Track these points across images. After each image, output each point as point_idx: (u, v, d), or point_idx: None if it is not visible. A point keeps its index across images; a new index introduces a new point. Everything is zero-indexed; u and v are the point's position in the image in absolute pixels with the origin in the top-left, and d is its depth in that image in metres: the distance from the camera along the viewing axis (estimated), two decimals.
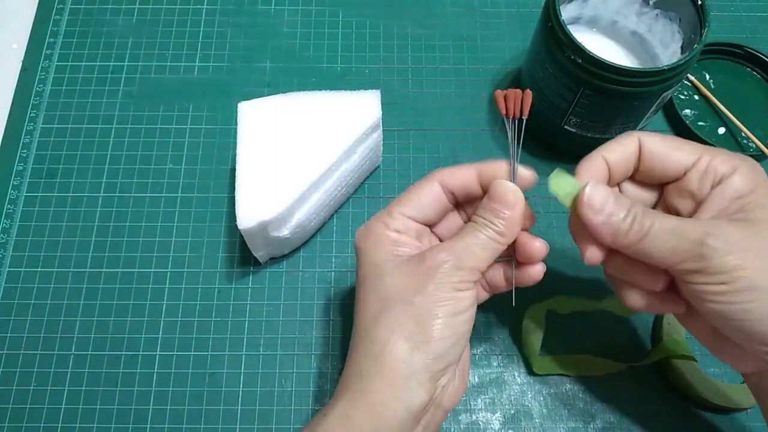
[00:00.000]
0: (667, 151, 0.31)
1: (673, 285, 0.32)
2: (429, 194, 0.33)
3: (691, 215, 0.31)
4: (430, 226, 0.35)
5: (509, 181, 0.32)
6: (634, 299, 0.33)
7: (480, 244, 0.31)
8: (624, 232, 0.30)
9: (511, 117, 0.33)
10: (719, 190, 0.30)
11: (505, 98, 0.33)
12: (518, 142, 0.32)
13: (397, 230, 0.33)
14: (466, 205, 0.35)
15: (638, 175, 0.33)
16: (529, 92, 0.32)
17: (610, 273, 0.33)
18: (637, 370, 0.41)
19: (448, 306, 0.30)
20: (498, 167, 0.33)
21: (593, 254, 0.32)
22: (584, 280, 0.44)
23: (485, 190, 0.33)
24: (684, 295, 0.30)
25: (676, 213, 0.32)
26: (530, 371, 0.42)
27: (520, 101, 0.32)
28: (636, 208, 0.30)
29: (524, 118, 0.33)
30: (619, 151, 0.32)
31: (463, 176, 0.33)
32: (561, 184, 0.31)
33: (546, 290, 0.42)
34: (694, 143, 0.32)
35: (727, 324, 0.29)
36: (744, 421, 0.41)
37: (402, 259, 0.32)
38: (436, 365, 0.30)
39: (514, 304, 0.34)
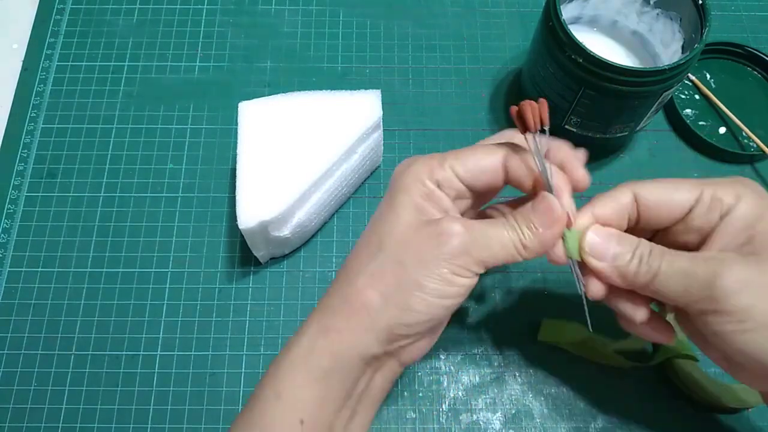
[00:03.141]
0: (665, 196, 0.30)
1: (654, 315, 0.32)
2: (489, 162, 0.31)
3: (698, 247, 0.30)
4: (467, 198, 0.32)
5: (556, 199, 0.30)
6: (624, 325, 0.33)
7: (500, 242, 0.29)
8: (632, 274, 0.29)
9: (532, 131, 0.29)
10: (727, 221, 0.29)
11: (522, 112, 0.29)
12: (544, 154, 0.30)
13: (438, 182, 0.30)
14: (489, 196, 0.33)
15: (641, 224, 0.32)
16: (544, 101, 0.30)
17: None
18: (638, 370, 0.41)
19: (437, 285, 0.29)
20: (562, 178, 0.30)
21: (596, 289, 0.31)
22: None
23: (533, 191, 0.31)
24: (700, 329, 0.30)
25: (683, 247, 0.31)
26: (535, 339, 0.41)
27: (538, 112, 0.29)
28: (642, 248, 0.30)
29: (546, 128, 0.29)
30: (610, 206, 0.31)
31: (525, 175, 0.30)
32: (566, 237, 0.30)
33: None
34: (688, 180, 0.31)
35: (745, 358, 0.28)
36: (745, 420, 0.41)
37: (422, 218, 0.30)
38: (399, 330, 0.29)
39: (591, 330, 0.33)
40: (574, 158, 0.31)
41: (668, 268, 0.29)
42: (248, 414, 0.30)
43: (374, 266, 0.30)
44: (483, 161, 0.31)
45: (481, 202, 0.34)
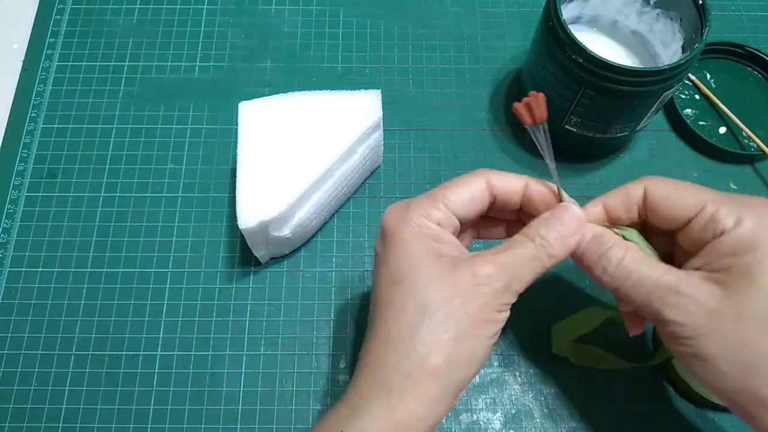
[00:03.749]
0: (671, 198, 0.30)
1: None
2: (476, 190, 0.32)
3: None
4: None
5: (576, 207, 0.31)
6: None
7: (530, 267, 0.30)
8: (598, 274, 0.31)
9: (536, 123, 0.31)
10: (716, 242, 0.29)
11: (527, 107, 0.31)
12: (550, 146, 0.31)
13: (439, 223, 0.31)
14: (482, 218, 0.34)
15: (650, 222, 0.32)
16: (542, 95, 0.31)
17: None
18: (638, 369, 0.41)
19: (489, 328, 0.29)
20: (552, 188, 0.32)
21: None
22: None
23: (526, 207, 0.32)
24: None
25: (683, 254, 0.31)
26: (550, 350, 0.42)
27: (537, 105, 0.31)
28: (609, 255, 0.30)
29: (545, 120, 0.31)
30: (620, 198, 0.32)
31: (512, 184, 0.32)
32: None
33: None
34: (702, 190, 0.30)
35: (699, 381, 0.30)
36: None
37: (445, 262, 0.29)
38: (465, 384, 0.29)
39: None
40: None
41: (631, 285, 0.30)
42: None
43: (426, 331, 0.28)
44: (471, 189, 0.31)
45: (464, 230, 0.34)
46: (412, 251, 0.30)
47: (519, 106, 0.31)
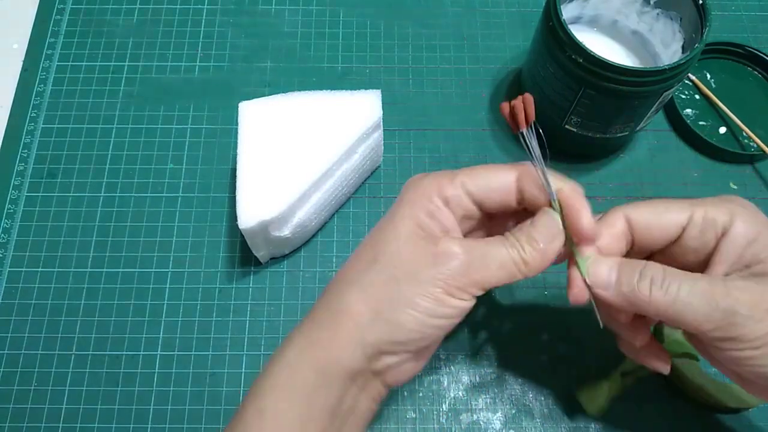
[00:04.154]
0: (656, 217, 0.30)
1: (653, 342, 0.33)
2: (502, 181, 0.30)
3: (698, 269, 0.30)
4: (478, 219, 0.32)
5: (556, 214, 0.30)
6: (624, 348, 0.34)
7: (499, 261, 0.29)
8: (646, 298, 0.28)
9: (524, 129, 0.30)
10: (727, 241, 0.28)
11: (513, 110, 0.30)
12: (542, 149, 0.30)
13: (447, 200, 0.30)
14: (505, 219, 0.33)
15: (636, 248, 0.31)
16: (529, 96, 0.30)
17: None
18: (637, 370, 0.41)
19: (430, 305, 0.28)
20: (580, 199, 0.30)
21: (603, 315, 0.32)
22: None
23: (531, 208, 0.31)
24: (713, 354, 0.30)
25: (682, 268, 0.29)
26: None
27: (523, 109, 0.30)
28: (652, 269, 0.28)
29: (531, 122, 0.30)
30: (607, 234, 0.31)
31: (538, 195, 0.30)
32: (579, 267, 0.30)
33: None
34: (679, 201, 0.30)
35: (762, 380, 0.28)
36: (745, 420, 0.41)
37: (420, 234, 0.29)
38: (387, 346, 0.29)
39: (602, 326, 0.32)
40: (583, 206, 0.30)
41: (688, 292, 0.28)
42: (230, 428, 0.29)
43: (366, 280, 0.29)
44: (495, 178, 0.30)
45: (492, 225, 0.33)
46: (398, 214, 0.30)
47: (505, 113, 0.30)
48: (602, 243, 0.31)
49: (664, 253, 0.31)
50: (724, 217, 0.29)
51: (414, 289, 0.28)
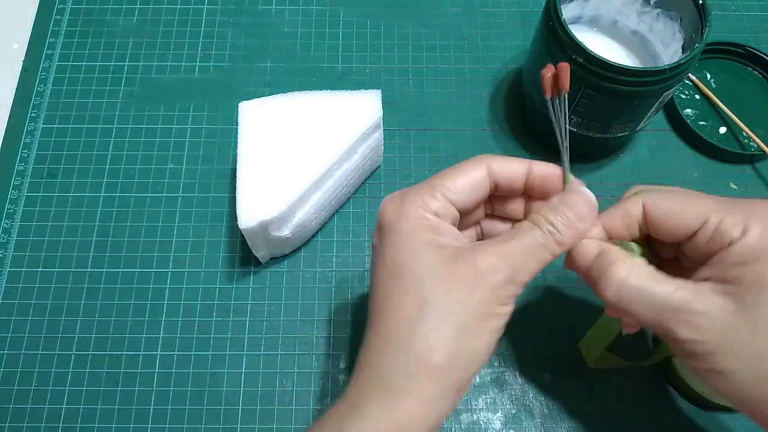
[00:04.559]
0: (673, 213, 0.29)
1: None
2: (477, 178, 0.30)
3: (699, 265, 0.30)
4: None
5: (586, 190, 0.30)
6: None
7: (536, 257, 0.28)
8: (598, 289, 0.29)
9: (558, 93, 0.30)
10: (724, 253, 0.28)
11: (559, 73, 0.29)
12: (565, 124, 0.30)
13: (437, 214, 0.29)
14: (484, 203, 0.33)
15: (653, 235, 0.31)
16: (567, 65, 0.29)
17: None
18: (638, 369, 0.41)
19: (493, 323, 0.28)
20: (558, 171, 0.30)
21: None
22: None
23: (529, 191, 0.31)
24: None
25: (695, 264, 0.30)
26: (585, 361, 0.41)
27: (563, 76, 0.29)
28: (620, 275, 0.28)
29: (567, 90, 0.30)
30: (619, 216, 0.31)
31: (515, 169, 0.30)
32: None
33: None
34: (703, 199, 0.29)
35: (721, 394, 0.29)
36: (745, 420, 0.41)
37: (445, 254, 0.28)
38: (467, 382, 0.28)
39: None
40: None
41: (639, 304, 0.28)
42: None
43: (426, 328, 0.27)
44: (470, 178, 0.30)
45: (462, 219, 0.33)
46: (410, 244, 0.28)
47: (546, 76, 0.30)
48: (614, 225, 0.31)
49: (685, 244, 0.31)
50: (735, 232, 0.27)
51: (474, 316, 0.27)
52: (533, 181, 0.31)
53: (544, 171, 0.31)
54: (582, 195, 0.30)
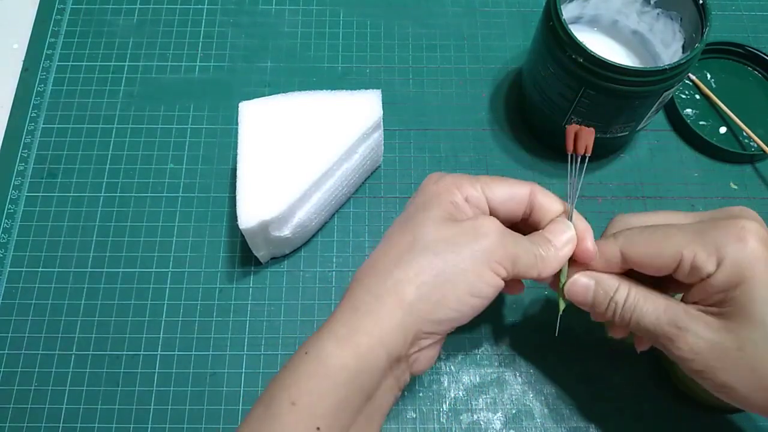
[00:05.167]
0: (648, 258, 0.31)
1: None
2: (519, 193, 0.33)
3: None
4: None
5: (570, 224, 0.33)
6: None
7: (525, 248, 0.31)
8: (609, 320, 0.33)
9: (576, 154, 0.33)
10: (704, 285, 0.30)
11: (579, 134, 0.33)
12: (579, 178, 0.33)
13: (467, 199, 0.32)
14: None
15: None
16: (593, 130, 0.33)
17: None
18: (638, 369, 0.41)
19: (473, 282, 0.29)
20: (585, 226, 0.33)
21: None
22: None
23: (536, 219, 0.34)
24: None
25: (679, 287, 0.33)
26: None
27: (586, 139, 0.33)
28: (616, 299, 0.32)
29: (587, 155, 0.33)
30: (602, 264, 0.33)
31: (554, 207, 0.33)
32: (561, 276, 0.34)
33: None
34: (678, 233, 0.30)
35: (725, 398, 0.31)
36: (745, 420, 0.41)
37: (452, 218, 0.31)
38: (428, 327, 0.29)
39: (557, 334, 0.36)
40: (588, 230, 0.33)
41: (636, 324, 0.31)
42: (257, 422, 0.28)
43: (409, 259, 0.29)
44: (513, 190, 0.33)
45: None
46: (428, 203, 0.31)
47: (570, 132, 0.33)
48: (597, 267, 0.33)
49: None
50: (710, 267, 0.29)
51: (457, 265, 0.29)
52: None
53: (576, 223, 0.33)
54: (567, 226, 0.33)
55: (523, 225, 0.34)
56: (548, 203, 0.33)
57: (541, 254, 0.32)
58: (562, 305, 0.35)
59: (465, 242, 0.29)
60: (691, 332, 0.29)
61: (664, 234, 0.31)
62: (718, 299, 0.29)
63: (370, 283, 0.30)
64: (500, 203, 0.33)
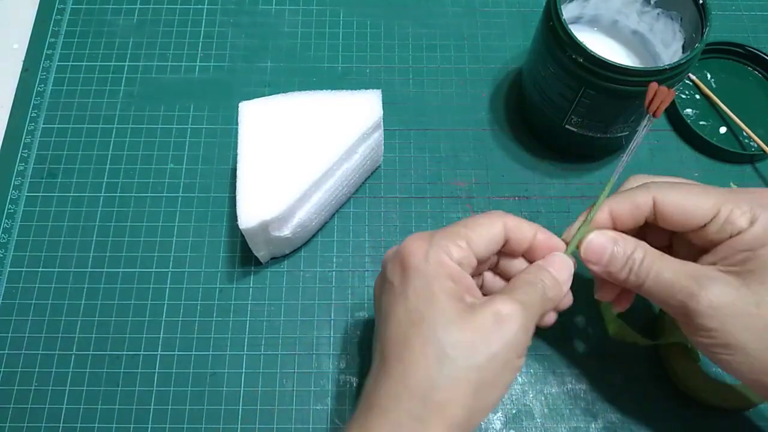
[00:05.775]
0: (683, 208, 0.31)
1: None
2: (496, 233, 0.32)
3: (702, 252, 0.32)
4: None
5: (569, 257, 0.33)
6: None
7: (539, 303, 0.31)
8: (622, 280, 0.32)
9: (649, 113, 0.32)
10: (731, 241, 0.30)
11: (657, 94, 0.32)
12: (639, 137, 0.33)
13: (460, 263, 0.31)
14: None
15: (658, 224, 0.33)
16: (673, 92, 0.32)
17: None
18: (638, 369, 0.41)
19: (508, 376, 0.29)
20: (559, 244, 0.33)
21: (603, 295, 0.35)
22: None
23: (527, 255, 0.34)
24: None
25: (697, 248, 0.32)
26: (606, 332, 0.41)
27: (661, 98, 0.32)
28: (636, 254, 0.32)
29: (655, 117, 0.33)
30: (628, 206, 0.32)
31: (525, 231, 0.33)
32: (574, 231, 0.33)
33: None
34: (711, 192, 0.31)
35: (722, 368, 0.31)
36: (745, 420, 0.41)
37: (464, 305, 0.29)
38: (476, 426, 0.29)
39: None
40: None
41: (653, 281, 0.31)
42: None
43: (446, 380, 0.28)
44: (490, 232, 0.32)
45: (477, 271, 0.35)
46: (432, 291, 0.29)
47: (651, 88, 0.32)
48: (621, 214, 0.33)
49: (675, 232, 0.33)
50: (743, 222, 0.30)
51: (493, 368, 0.28)
52: (535, 245, 0.33)
53: (548, 240, 0.33)
54: (562, 258, 0.33)
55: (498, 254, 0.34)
56: (522, 231, 0.33)
57: (547, 294, 0.31)
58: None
59: (492, 338, 0.28)
60: (711, 287, 0.29)
61: (700, 188, 0.32)
62: (740, 259, 0.29)
63: (410, 406, 0.28)
64: (484, 250, 0.32)
